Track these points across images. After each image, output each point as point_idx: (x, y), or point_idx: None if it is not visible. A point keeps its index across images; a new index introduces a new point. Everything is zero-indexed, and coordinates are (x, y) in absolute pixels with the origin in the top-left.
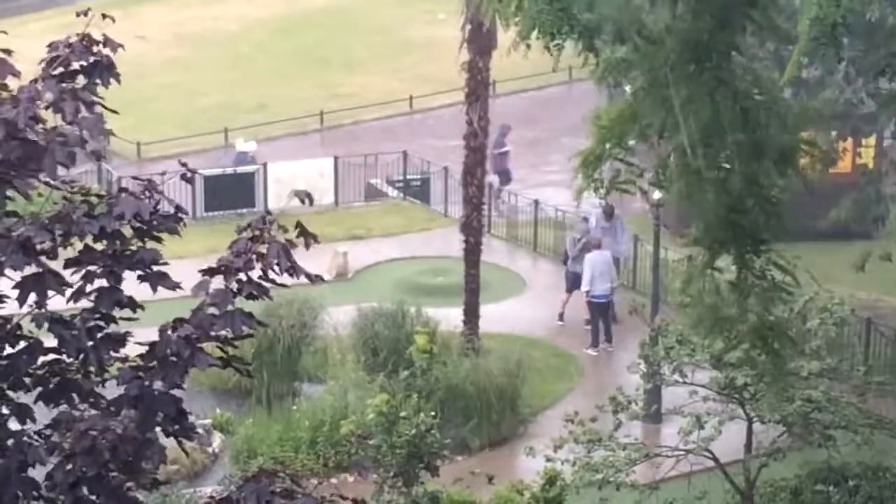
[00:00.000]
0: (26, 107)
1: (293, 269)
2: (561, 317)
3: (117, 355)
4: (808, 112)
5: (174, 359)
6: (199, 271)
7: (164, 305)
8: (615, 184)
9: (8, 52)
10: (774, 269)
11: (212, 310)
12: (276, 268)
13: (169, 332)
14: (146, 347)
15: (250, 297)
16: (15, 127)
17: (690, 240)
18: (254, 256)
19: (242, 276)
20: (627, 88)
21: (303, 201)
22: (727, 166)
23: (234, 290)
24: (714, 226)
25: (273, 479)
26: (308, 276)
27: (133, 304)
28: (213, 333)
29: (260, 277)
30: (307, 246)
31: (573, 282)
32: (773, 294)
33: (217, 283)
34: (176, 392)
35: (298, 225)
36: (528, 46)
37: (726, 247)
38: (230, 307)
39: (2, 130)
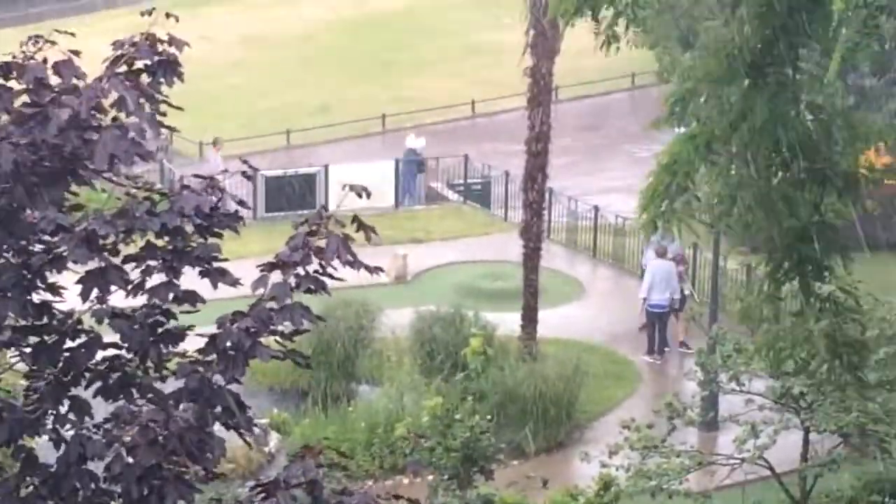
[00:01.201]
0: (89, 98)
1: (353, 262)
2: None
3: (176, 350)
4: (873, 128)
5: (233, 352)
6: (257, 266)
7: (223, 304)
8: (681, 217)
9: (76, 52)
10: (839, 292)
11: (271, 304)
12: (336, 260)
13: (228, 324)
14: (205, 341)
15: (308, 291)
16: (77, 118)
17: (756, 261)
18: (311, 251)
19: (300, 270)
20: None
21: (360, 195)
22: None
23: (293, 284)
24: (778, 254)
25: (318, 455)
26: (368, 268)
27: (193, 298)
28: (272, 327)
29: (317, 272)
30: (367, 239)
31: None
32: (840, 319)
33: (276, 278)
34: (234, 387)
35: (356, 219)
36: (610, 42)
37: (790, 275)
38: (289, 301)
39: (65, 121)
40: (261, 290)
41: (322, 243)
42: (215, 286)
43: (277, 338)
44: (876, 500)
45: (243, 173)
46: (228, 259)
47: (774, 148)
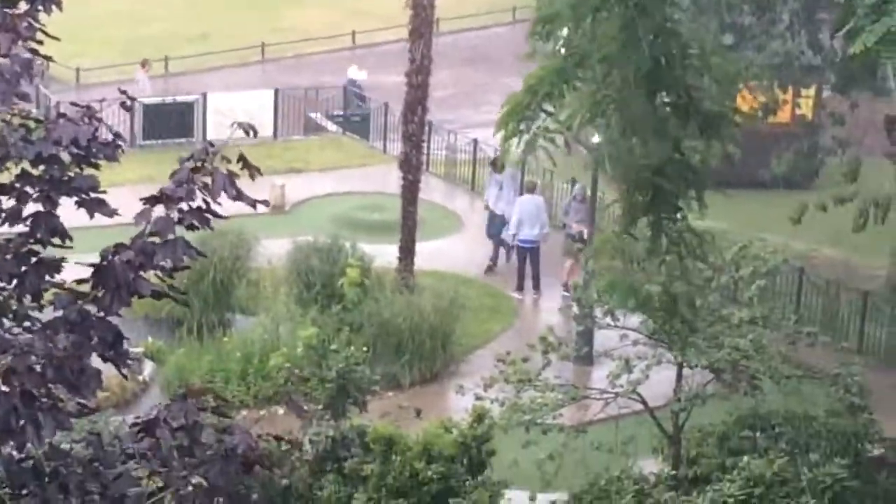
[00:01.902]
0: None
1: (239, 196)
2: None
3: (53, 281)
4: (746, 68)
5: (115, 285)
6: (141, 199)
7: (101, 233)
8: (540, 135)
9: None
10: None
11: (153, 238)
12: (223, 194)
13: (111, 256)
14: (83, 272)
15: (191, 227)
16: None
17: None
18: (195, 186)
19: (184, 205)
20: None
21: (247, 133)
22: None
23: (176, 219)
24: (631, 189)
25: (199, 396)
26: (252, 202)
27: (65, 234)
28: (155, 262)
29: (199, 208)
30: (252, 177)
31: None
32: (686, 261)
33: (159, 211)
34: (112, 319)
35: (241, 158)
36: None
37: (645, 211)
38: (171, 235)
39: None
40: (143, 224)
41: (207, 179)
42: (92, 216)
43: (158, 272)
44: (747, 434)
45: (122, 104)
46: (106, 191)
47: (634, 78)
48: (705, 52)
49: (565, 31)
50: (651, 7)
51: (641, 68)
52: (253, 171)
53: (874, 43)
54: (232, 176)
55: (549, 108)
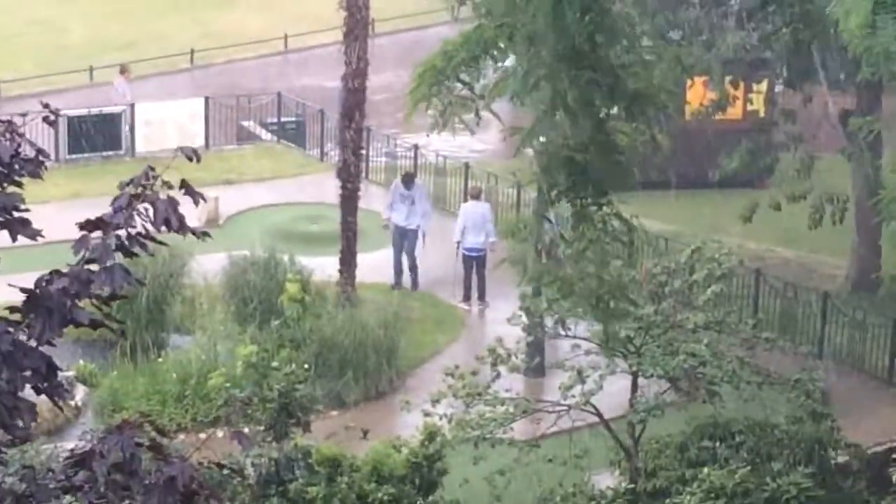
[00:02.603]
0: None
1: (181, 227)
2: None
3: None
4: (693, 64)
5: (49, 313)
6: (77, 224)
7: (24, 252)
8: (453, 106)
9: None
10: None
11: (90, 265)
12: (164, 224)
13: (45, 284)
14: (16, 301)
15: (129, 254)
16: None
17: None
18: (135, 212)
19: (122, 231)
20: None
21: (189, 158)
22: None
23: (113, 245)
24: (552, 167)
25: (138, 430)
26: (195, 233)
27: None
28: (92, 289)
29: (138, 234)
30: (195, 203)
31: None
32: (611, 249)
33: (96, 237)
34: (45, 348)
35: (184, 184)
36: None
37: (565, 193)
38: (109, 262)
39: None
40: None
41: (148, 206)
42: (14, 239)
43: (94, 300)
44: (706, 444)
45: (44, 118)
46: (30, 209)
47: (569, 55)
48: (635, 33)
49: None
50: None
51: (566, 45)
52: (197, 197)
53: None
54: (174, 203)
55: (465, 78)
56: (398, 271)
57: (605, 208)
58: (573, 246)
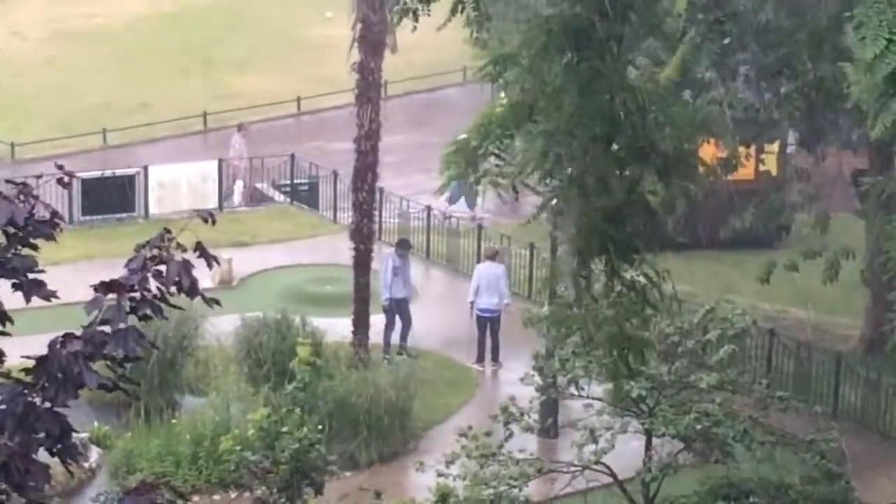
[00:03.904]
0: None
1: (192, 290)
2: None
3: None
4: (706, 117)
5: (62, 377)
6: (92, 286)
7: (38, 313)
8: (487, 178)
9: None
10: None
11: (104, 327)
12: (174, 287)
13: (59, 347)
14: (31, 361)
15: (144, 317)
16: None
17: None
18: (151, 275)
19: (137, 294)
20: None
21: (205, 220)
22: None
23: (127, 308)
24: (586, 232)
25: (154, 492)
26: (206, 299)
27: (4, 317)
28: (105, 352)
29: (154, 296)
30: (209, 266)
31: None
32: (638, 306)
33: (110, 300)
34: (60, 410)
35: (199, 246)
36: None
37: (597, 255)
38: (123, 325)
39: None
40: (94, 313)
41: (162, 268)
42: (28, 300)
43: (108, 363)
44: None
45: (59, 180)
46: (44, 270)
47: (590, 129)
48: (666, 104)
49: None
50: (606, 69)
51: (600, 129)
52: (211, 260)
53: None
54: (188, 266)
55: (498, 153)
56: (388, 343)
57: (634, 267)
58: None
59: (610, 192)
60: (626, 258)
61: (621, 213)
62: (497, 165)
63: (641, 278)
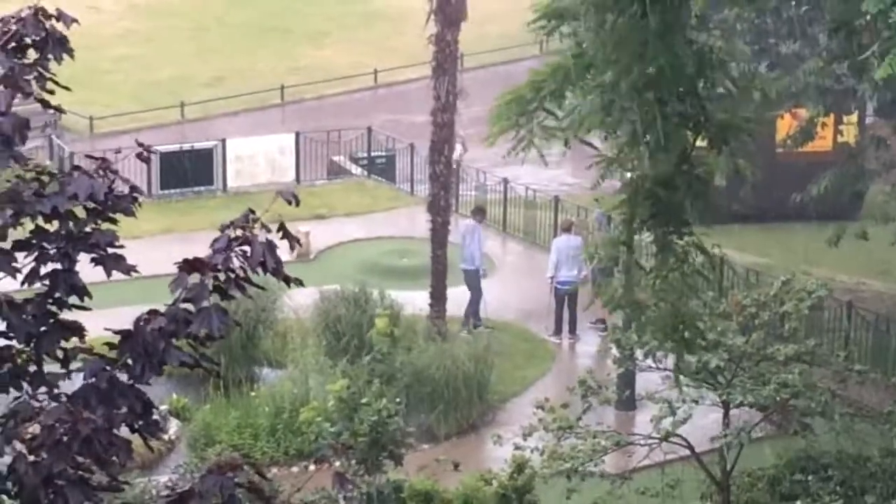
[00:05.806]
0: None
1: (278, 271)
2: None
3: (82, 346)
4: (778, 87)
5: (145, 353)
6: (175, 264)
7: (117, 287)
8: (541, 132)
9: None
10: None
11: (187, 305)
12: (260, 266)
13: (142, 323)
14: (113, 335)
15: (226, 296)
16: None
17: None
18: (233, 255)
19: (220, 273)
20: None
21: (289, 202)
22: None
23: (210, 287)
24: (635, 199)
25: (236, 470)
26: (288, 279)
27: (84, 292)
28: (189, 330)
29: (237, 276)
30: (291, 248)
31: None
32: (692, 280)
33: (193, 278)
34: (141, 386)
35: (281, 227)
36: None
37: (647, 224)
38: (206, 303)
39: None
40: (178, 291)
41: (247, 248)
42: (109, 275)
43: (190, 341)
44: (799, 478)
45: (138, 154)
46: (123, 245)
47: (653, 85)
48: (726, 64)
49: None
50: (664, 14)
51: (648, 74)
52: (293, 241)
53: None
54: (272, 246)
55: (550, 108)
56: (477, 314)
57: (686, 239)
58: (652, 275)
59: (669, 153)
60: (676, 227)
61: (672, 181)
62: (546, 119)
63: (695, 252)
